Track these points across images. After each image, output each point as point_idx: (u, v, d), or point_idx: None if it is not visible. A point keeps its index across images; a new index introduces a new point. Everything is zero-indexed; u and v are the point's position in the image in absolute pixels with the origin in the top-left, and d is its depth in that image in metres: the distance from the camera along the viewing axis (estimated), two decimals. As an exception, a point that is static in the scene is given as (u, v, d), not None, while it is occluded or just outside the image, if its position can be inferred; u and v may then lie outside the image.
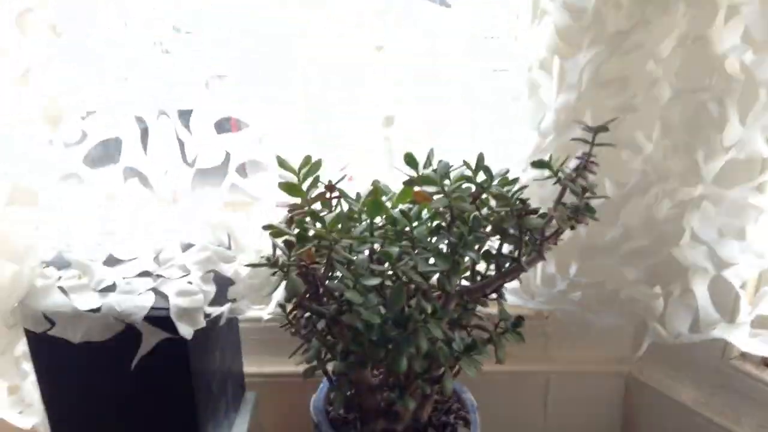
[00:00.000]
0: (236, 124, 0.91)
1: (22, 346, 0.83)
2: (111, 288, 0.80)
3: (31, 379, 0.85)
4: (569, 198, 0.73)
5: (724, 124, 0.71)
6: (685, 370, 1.01)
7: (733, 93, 0.70)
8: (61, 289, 0.80)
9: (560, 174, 0.73)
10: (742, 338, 0.78)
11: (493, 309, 0.84)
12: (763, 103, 0.68)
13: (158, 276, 0.82)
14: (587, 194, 0.71)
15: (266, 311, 0.88)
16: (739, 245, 0.75)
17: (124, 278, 0.81)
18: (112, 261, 0.85)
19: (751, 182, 0.72)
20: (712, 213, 0.75)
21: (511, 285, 0.94)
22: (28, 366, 0.85)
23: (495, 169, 0.76)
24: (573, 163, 0.73)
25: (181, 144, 0.87)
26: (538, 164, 0.73)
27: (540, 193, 0.86)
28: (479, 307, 0.84)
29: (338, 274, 0.73)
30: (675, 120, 0.75)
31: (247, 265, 0.78)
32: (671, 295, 0.82)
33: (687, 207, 0.76)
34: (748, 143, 0.69)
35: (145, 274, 0.83)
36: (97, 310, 0.77)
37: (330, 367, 0.83)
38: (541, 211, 0.73)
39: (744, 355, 0.93)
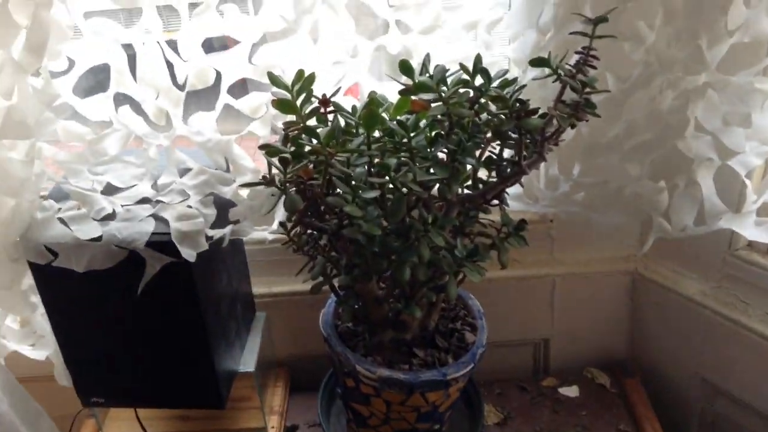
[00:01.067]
0: (232, 42, 0.88)
1: (29, 280, 0.83)
2: (111, 216, 0.79)
3: (41, 311, 0.86)
4: (570, 96, 0.71)
5: (728, 7, 0.68)
6: (692, 264, 1.01)
7: (737, -28, 0.67)
8: (61, 220, 0.79)
9: (560, 71, 0.70)
10: (748, 227, 0.77)
11: (496, 216, 0.84)
12: (768, -19, 0.65)
13: (158, 201, 0.81)
14: (587, 90, 0.70)
15: (269, 231, 0.88)
16: (744, 133, 0.73)
17: (123, 206, 0.81)
18: (110, 189, 0.84)
19: (756, 66, 0.70)
20: (717, 101, 0.73)
21: (515, 190, 0.93)
22: (36, 299, 0.85)
23: (493, 72, 0.74)
24: (573, 60, 0.71)
25: (170, 66, 0.85)
26: (536, 62, 0.71)
27: (541, 94, 0.84)
28: (482, 215, 0.83)
29: (338, 189, 0.72)
30: (678, 5, 0.72)
31: (243, 185, 0.77)
32: (676, 188, 0.81)
33: (691, 96, 0.74)
34: (753, 25, 0.66)
35: (144, 200, 0.82)
36: (99, 238, 0.76)
37: (336, 282, 0.84)
38: (541, 112, 0.72)
39: (750, 245, 0.93)
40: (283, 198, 0.68)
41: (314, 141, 0.71)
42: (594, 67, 0.70)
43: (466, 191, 0.81)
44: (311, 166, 0.70)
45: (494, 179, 0.79)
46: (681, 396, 1.09)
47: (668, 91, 0.77)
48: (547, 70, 0.71)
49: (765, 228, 0.75)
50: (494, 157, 0.79)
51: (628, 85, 0.79)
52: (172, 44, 0.85)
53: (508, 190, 0.82)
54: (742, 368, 0.97)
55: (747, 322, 0.94)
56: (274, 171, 0.68)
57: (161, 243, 0.77)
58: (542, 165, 0.93)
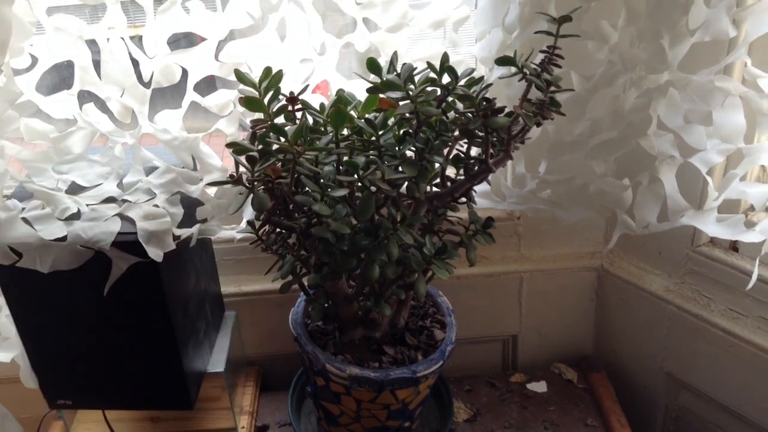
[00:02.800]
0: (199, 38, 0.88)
1: (-8, 281, 0.82)
2: (76, 216, 0.78)
3: (5, 312, 0.85)
4: (535, 94, 0.72)
5: (689, 6, 0.69)
6: (655, 260, 1.03)
7: (697, -28, 0.68)
8: (25, 220, 0.78)
9: (525, 70, 0.71)
10: (710, 224, 0.78)
11: (464, 213, 0.84)
12: (727, -19, 0.67)
13: (123, 201, 0.81)
14: (552, 88, 0.70)
15: (237, 230, 0.88)
16: (705, 131, 0.74)
17: (88, 205, 0.80)
18: (75, 188, 0.83)
19: (716, 65, 0.71)
20: (678, 99, 0.74)
21: (482, 188, 0.94)
22: (0, 300, 0.84)
23: (460, 70, 0.75)
24: (538, 59, 0.72)
25: (135, 63, 0.84)
26: (503, 61, 0.72)
27: (507, 93, 0.85)
28: (450, 212, 0.84)
29: (306, 188, 0.72)
30: (640, 6, 0.73)
31: (210, 184, 0.76)
32: (640, 185, 0.82)
33: (653, 95, 0.75)
34: (714, 24, 0.68)
35: (109, 200, 0.81)
36: (64, 238, 0.75)
37: (306, 280, 0.84)
38: (507, 110, 0.73)
39: (712, 241, 0.95)
40: (251, 197, 0.68)
41: (282, 139, 0.71)
42: (559, 66, 0.71)
43: (434, 189, 0.81)
44: (279, 164, 0.70)
45: (462, 177, 0.79)
46: (646, 390, 1.11)
47: (631, 90, 0.78)
48: (513, 69, 0.72)
49: (726, 225, 0.77)
50: (462, 155, 0.80)
51: (592, 83, 0.80)
52: (138, 40, 0.84)
53: (475, 187, 0.83)
54: (705, 362, 0.99)
55: (709, 316, 0.95)
56: (242, 169, 0.68)
57: (128, 243, 0.76)
58: (509, 163, 0.93)
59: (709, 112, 0.73)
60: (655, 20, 0.72)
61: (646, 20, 0.73)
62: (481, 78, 0.75)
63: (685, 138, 0.76)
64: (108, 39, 0.81)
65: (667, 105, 0.76)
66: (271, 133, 0.73)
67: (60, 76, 0.89)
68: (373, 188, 0.72)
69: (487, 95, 0.72)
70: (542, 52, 0.71)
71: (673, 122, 0.76)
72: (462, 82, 0.74)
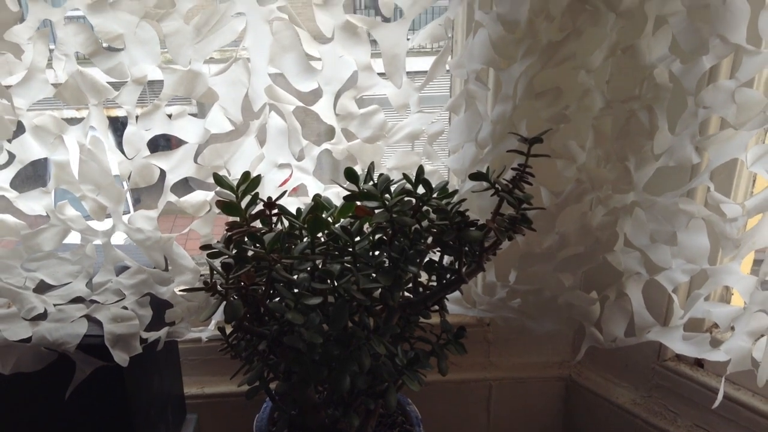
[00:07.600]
0: (176, 142, 0.89)
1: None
2: (42, 316, 0.76)
3: (-43, 414, 0.81)
4: (507, 208, 0.74)
5: (654, 133, 0.73)
6: (622, 372, 1.04)
7: (662, 102, 0.72)
8: (-12, 318, 0.76)
9: (497, 185, 0.73)
10: (676, 341, 0.80)
11: (435, 318, 0.84)
12: (691, 111, 0.70)
13: (92, 301, 0.79)
14: (524, 205, 0.72)
15: (205, 334, 0.86)
16: (670, 250, 0.77)
17: (55, 305, 0.78)
18: (42, 287, 0.82)
19: (680, 189, 0.74)
20: (644, 219, 0.77)
21: (453, 295, 0.95)
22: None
23: (433, 180, 0.77)
24: (509, 174, 0.74)
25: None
26: (475, 176, 0.74)
27: (478, 203, 0.87)
28: (422, 318, 0.84)
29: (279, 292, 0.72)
30: (607, 129, 0.77)
31: (184, 290, 0.76)
32: (607, 299, 0.84)
33: (620, 213, 0.78)
34: (678, 150, 0.71)
35: (78, 299, 0.80)
36: (28, 340, 0.73)
37: (273, 386, 0.82)
38: (479, 223, 0.74)
39: (678, 357, 0.96)
40: (223, 304, 0.68)
41: (257, 245, 0.71)
42: (530, 184, 0.73)
43: (406, 294, 0.81)
44: (253, 270, 0.70)
45: (434, 282, 0.80)
46: (614, 504, 1.09)
47: (599, 208, 0.81)
48: (485, 183, 0.74)
49: (692, 343, 0.78)
50: (434, 262, 0.81)
51: (561, 199, 0.82)
52: (115, 122, 0.84)
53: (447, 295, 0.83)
54: (672, 477, 0.98)
55: None
56: (216, 274, 0.68)
57: (93, 346, 0.74)
58: (480, 271, 0.95)
59: (674, 233, 0.75)
60: (621, 144, 0.75)
61: (612, 143, 0.77)
62: (455, 191, 0.77)
63: (650, 256, 0.78)
64: (87, 136, 0.81)
65: (633, 224, 0.79)
66: (246, 239, 0.74)
67: (35, 171, 0.89)
68: (346, 296, 0.72)
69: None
70: (514, 169, 0.74)
71: (640, 240, 0.79)
72: (435, 194, 0.76)
